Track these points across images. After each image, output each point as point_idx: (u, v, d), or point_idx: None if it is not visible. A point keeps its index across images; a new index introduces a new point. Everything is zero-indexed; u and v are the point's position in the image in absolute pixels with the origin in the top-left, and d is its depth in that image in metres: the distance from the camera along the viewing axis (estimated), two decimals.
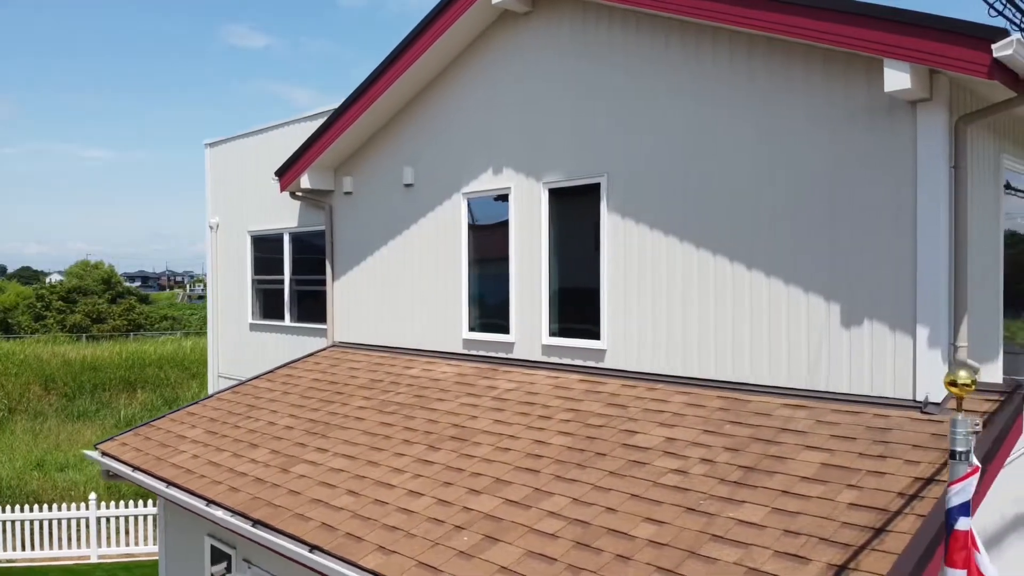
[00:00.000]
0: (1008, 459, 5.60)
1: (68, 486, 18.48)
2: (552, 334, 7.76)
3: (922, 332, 5.33)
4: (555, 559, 4.49)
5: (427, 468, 6.07)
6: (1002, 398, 5.15)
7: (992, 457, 4.71)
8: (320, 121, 10.27)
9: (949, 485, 2.79)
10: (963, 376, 2.94)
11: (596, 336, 7.34)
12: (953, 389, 2.96)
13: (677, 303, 6.69)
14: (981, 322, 5.92)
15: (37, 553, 14.79)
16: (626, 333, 7.08)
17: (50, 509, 15.27)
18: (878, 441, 5.00)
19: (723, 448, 5.38)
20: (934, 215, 5.28)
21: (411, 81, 8.88)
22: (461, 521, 5.15)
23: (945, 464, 4.56)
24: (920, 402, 5.31)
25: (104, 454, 8.40)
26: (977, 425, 2.90)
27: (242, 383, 9.63)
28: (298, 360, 10.06)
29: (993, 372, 6.17)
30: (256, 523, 5.89)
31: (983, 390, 5.30)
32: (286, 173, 10.36)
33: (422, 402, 7.52)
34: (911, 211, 5.39)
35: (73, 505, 15.09)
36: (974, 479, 2.77)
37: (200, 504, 6.52)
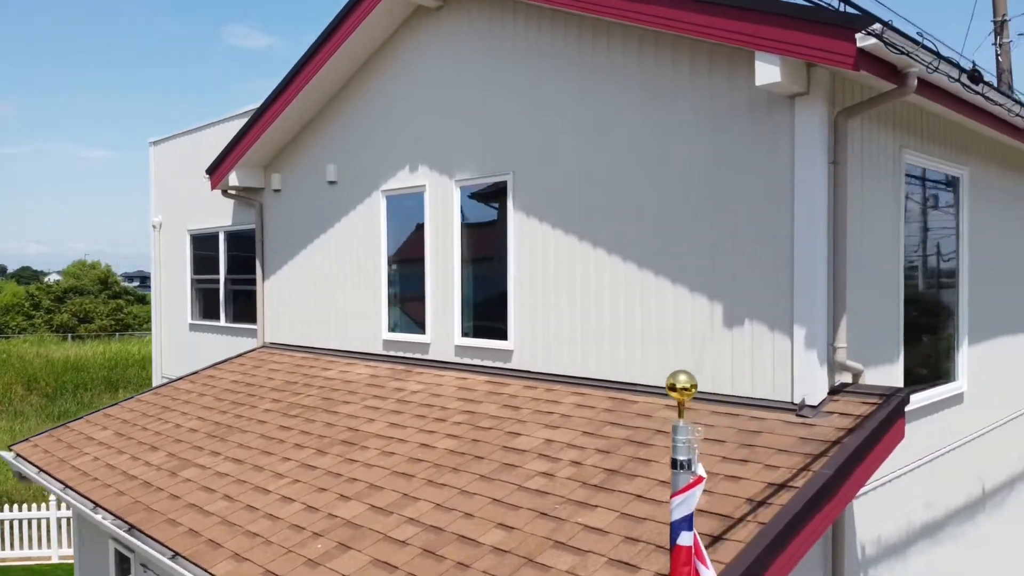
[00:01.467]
0: (907, 464, 5.38)
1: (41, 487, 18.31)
2: (464, 334, 7.61)
3: (799, 332, 5.18)
4: (397, 567, 4.35)
5: (308, 473, 5.93)
6: (880, 401, 5.01)
7: (859, 459, 4.57)
8: None
9: (672, 496, 2.64)
10: (683, 380, 2.78)
11: (504, 336, 7.19)
12: (673, 394, 2.81)
13: (578, 303, 6.55)
14: (877, 323, 5.78)
15: (7, 553, 14.75)
16: (532, 334, 6.93)
17: (19, 509, 15.16)
18: (745, 445, 4.86)
19: (596, 450, 5.23)
20: (811, 213, 5.13)
21: (331, 75, 8.74)
22: (321, 528, 5.01)
23: (804, 469, 4.43)
24: (797, 404, 5.17)
25: (17, 456, 8.27)
26: (699, 431, 2.75)
27: (164, 384, 9.50)
28: (225, 361, 9.92)
29: (893, 375, 6.02)
30: (132, 528, 5.75)
31: (865, 393, 5.15)
32: (216, 170, 10.23)
33: (327, 405, 7.38)
34: (789, 209, 5.24)
35: (35, 506, 14.98)
36: (697, 490, 2.62)
37: (87, 508, 6.38)
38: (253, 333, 10.60)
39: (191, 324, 12.16)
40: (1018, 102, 5.96)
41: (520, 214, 7.01)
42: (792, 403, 5.21)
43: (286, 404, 7.67)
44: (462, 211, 7.61)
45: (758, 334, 5.39)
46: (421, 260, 7.99)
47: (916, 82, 4.89)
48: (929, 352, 6.89)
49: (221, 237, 11.32)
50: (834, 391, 5.26)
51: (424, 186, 7.93)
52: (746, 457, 4.70)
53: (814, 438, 4.74)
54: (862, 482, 4.66)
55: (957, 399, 7.11)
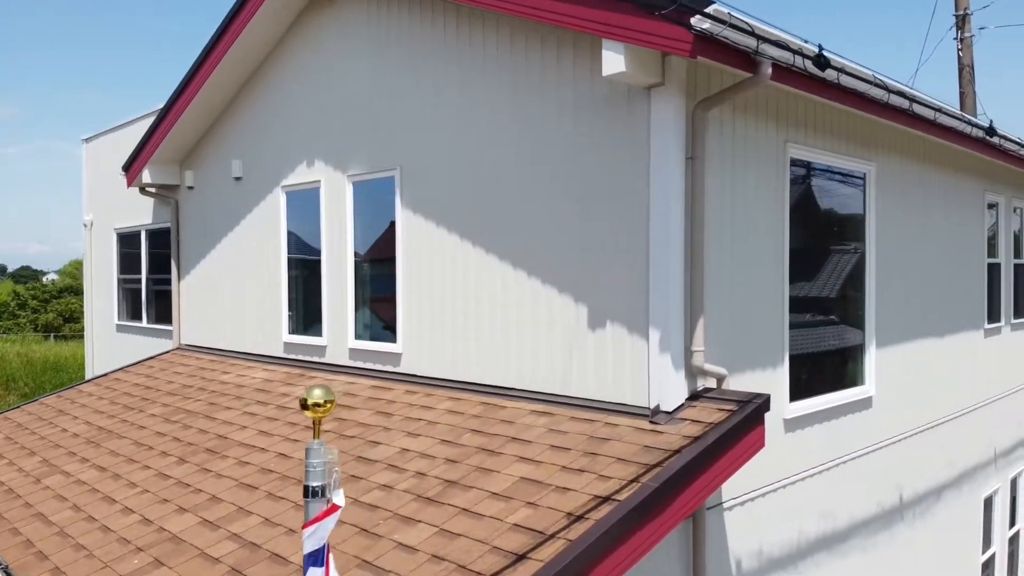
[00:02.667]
0: (798, 472, 5.04)
1: None
2: (358, 337, 7.35)
3: (654, 335, 4.91)
4: None
5: (160, 483, 5.67)
6: (735, 408, 4.74)
7: (698, 470, 4.31)
8: None
9: (303, 527, 2.37)
10: (316, 396, 2.52)
11: (393, 339, 6.93)
12: (307, 412, 2.54)
13: (459, 305, 6.28)
14: (754, 325, 5.51)
15: None
16: (420, 336, 6.66)
17: None
18: (588, 453, 4.59)
19: (445, 460, 4.97)
20: (665, 210, 4.86)
21: (232, 69, 8.48)
22: (146, 542, 4.75)
23: (634, 480, 4.16)
24: (651, 410, 4.90)
25: None
26: (332, 454, 2.47)
27: (68, 388, 9.24)
28: (135, 364, 9.66)
29: (776, 380, 5.75)
30: None
31: (723, 399, 4.88)
32: (131, 167, 9.96)
33: (210, 411, 7.12)
34: (646, 206, 4.97)
35: None
36: (330, 520, 2.35)
37: None
38: (170, 334, 10.33)
39: (118, 325, 11.91)
40: (901, 94, 5.67)
41: (407, 211, 6.74)
42: (649, 409, 4.95)
43: (172, 410, 7.41)
44: (357, 207, 7.34)
45: (618, 337, 5.13)
46: (319, 258, 7.73)
47: (771, 70, 4.62)
48: (831, 355, 6.62)
49: (143, 236, 11.06)
50: (694, 396, 4.99)
51: (319, 181, 7.66)
52: (585, 467, 4.44)
53: (657, 447, 4.47)
54: (704, 494, 4.40)
55: (864, 404, 6.84)
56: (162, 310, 10.80)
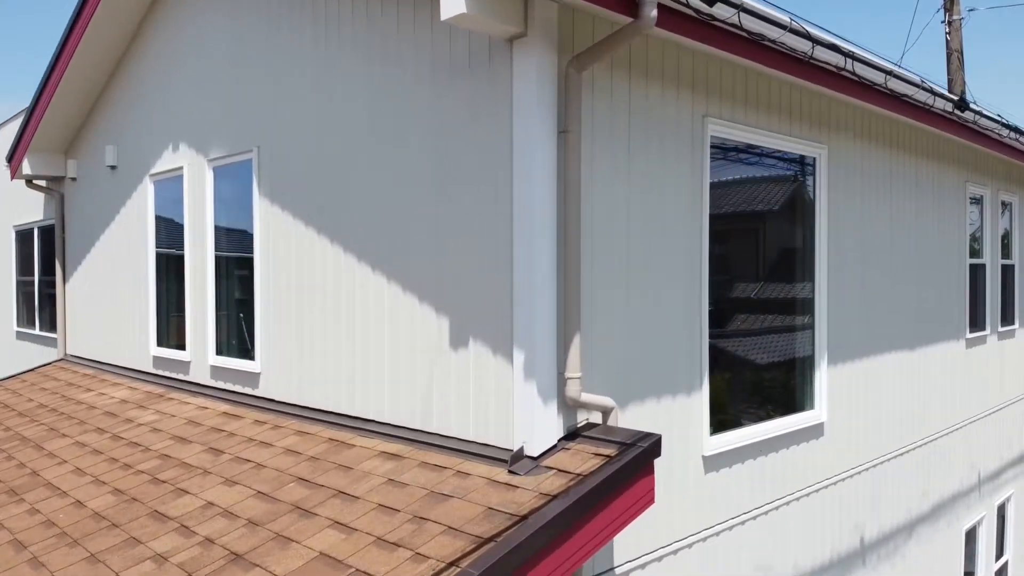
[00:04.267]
0: (724, 520, 3.95)
1: None
2: (219, 352, 6.25)
3: (519, 357, 3.81)
4: None
5: None
6: (613, 453, 3.64)
7: (552, 541, 3.22)
8: None
9: None
10: None
11: (251, 356, 5.83)
12: None
13: (319, 315, 5.18)
14: (661, 342, 4.42)
15: None
16: (278, 353, 5.56)
17: None
18: (418, 518, 3.49)
19: (247, 521, 3.87)
20: (527, 197, 3.76)
21: (100, 45, 7.38)
22: None
23: (452, 565, 3.06)
24: (513, 456, 3.79)
25: None
26: None
27: None
28: (8, 378, 8.57)
29: (692, 411, 4.66)
30: None
31: (603, 440, 3.78)
32: (12, 157, 8.87)
33: (45, 438, 6.03)
34: (509, 193, 3.87)
35: None
36: None
37: None
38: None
39: (16, 332, 10.81)
40: (836, 48, 4.55)
41: (265, 201, 5.65)
42: (512, 453, 3.84)
43: (10, 435, 6.32)
44: (219, 197, 6.24)
45: (482, 359, 4.03)
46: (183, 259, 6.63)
47: (655, 12, 3.51)
48: (770, 375, 5.52)
49: (35, 233, 9.96)
50: (572, 436, 3.89)
51: (183, 167, 6.56)
52: (404, 540, 3.34)
53: (503, 509, 3.37)
54: (581, 550, 3.30)
55: (813, 432, 5.75)
56: (53, 316, 9.70)
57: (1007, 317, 9.28)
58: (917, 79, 5.28)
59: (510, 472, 3.71)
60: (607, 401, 3.93)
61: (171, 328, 6.91)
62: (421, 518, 3.48)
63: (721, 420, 4.92)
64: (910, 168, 6.97)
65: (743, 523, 5.08)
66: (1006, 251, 9.36)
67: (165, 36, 6.90)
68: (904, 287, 6.95)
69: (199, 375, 6.42)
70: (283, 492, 4.11)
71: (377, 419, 4.68)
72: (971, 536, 8.53)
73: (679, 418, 4.53)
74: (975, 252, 8.49)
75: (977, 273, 8.49)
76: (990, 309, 8.71)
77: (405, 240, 4.46)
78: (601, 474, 3.47)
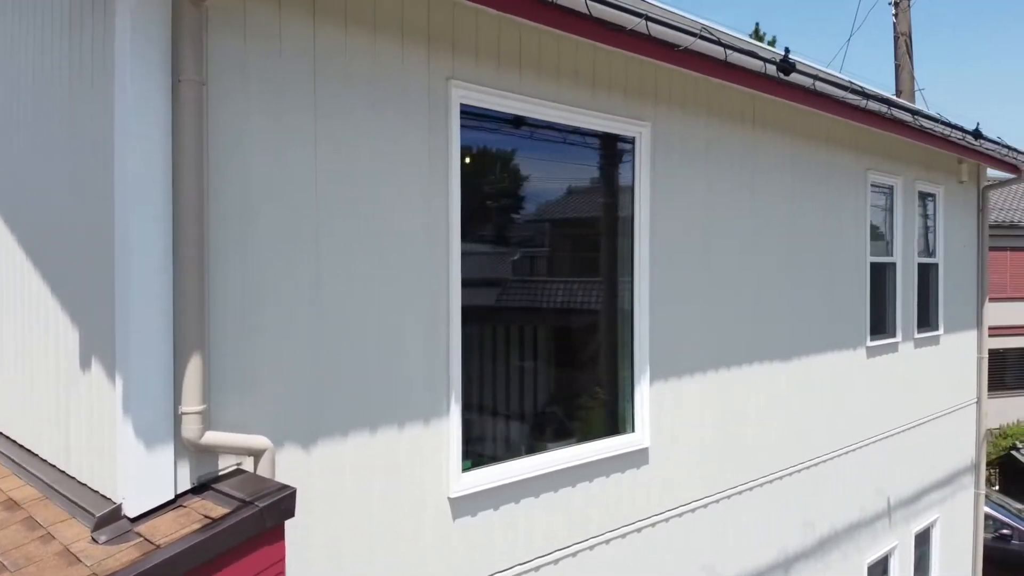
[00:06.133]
0: None
1: None
2: None
3: (119, 383, 2.87)
4: None
5: None
6: (226, 512, 2.69)
7: None
8: None
9: None
10: None
11: None
12: None
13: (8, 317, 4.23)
14: (374, 356, 3.48)
15: None
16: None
17: None
18: None
19: None
20: (123, 170, 2.82)
21: None
22: None
23: None
24: (106, 515, 2.84)
25: None
26: None
27: None
28: None
29: (435, 442, 3.71)
30: None
31: (226, 495, 2.84)
32: None
33: None
34: (111, 161, 2.94)
35: None
36: None
37: None
38: None
39: None
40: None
41: None
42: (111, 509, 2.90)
43: None
44: None
45: (99, 384, 3.08)
46: None
47: None
48: (571, 393, 4.59)
49: None
50: (201, 489, 2.95)
51: None
52: None
53: None
54: None
55: (631, 460, 4.80)
56: None
57: (927, 322, 8.33)
58: (735, 37, 4.31)
59: (92, 539, 2.77)
60: (255, 441, 2.99)
61: None
62: None
63: (487, 450, 3.99)
64: (784, 151, 6.03)
65: None
66: (928, 247, 8.42)
67: None
68: (776, 289, 6.00)
69: None
70: None
71: (37, 451, 3.74)
72: (878, 569, 7.59)
73: (412, 450, 3.59)
74: (882, 249, 7.55)
75: (884, 273, 7.54)
76: (902, 313, 7.75)
77: (47, 219, 3.52)
78: (182, 544, 2.53)
